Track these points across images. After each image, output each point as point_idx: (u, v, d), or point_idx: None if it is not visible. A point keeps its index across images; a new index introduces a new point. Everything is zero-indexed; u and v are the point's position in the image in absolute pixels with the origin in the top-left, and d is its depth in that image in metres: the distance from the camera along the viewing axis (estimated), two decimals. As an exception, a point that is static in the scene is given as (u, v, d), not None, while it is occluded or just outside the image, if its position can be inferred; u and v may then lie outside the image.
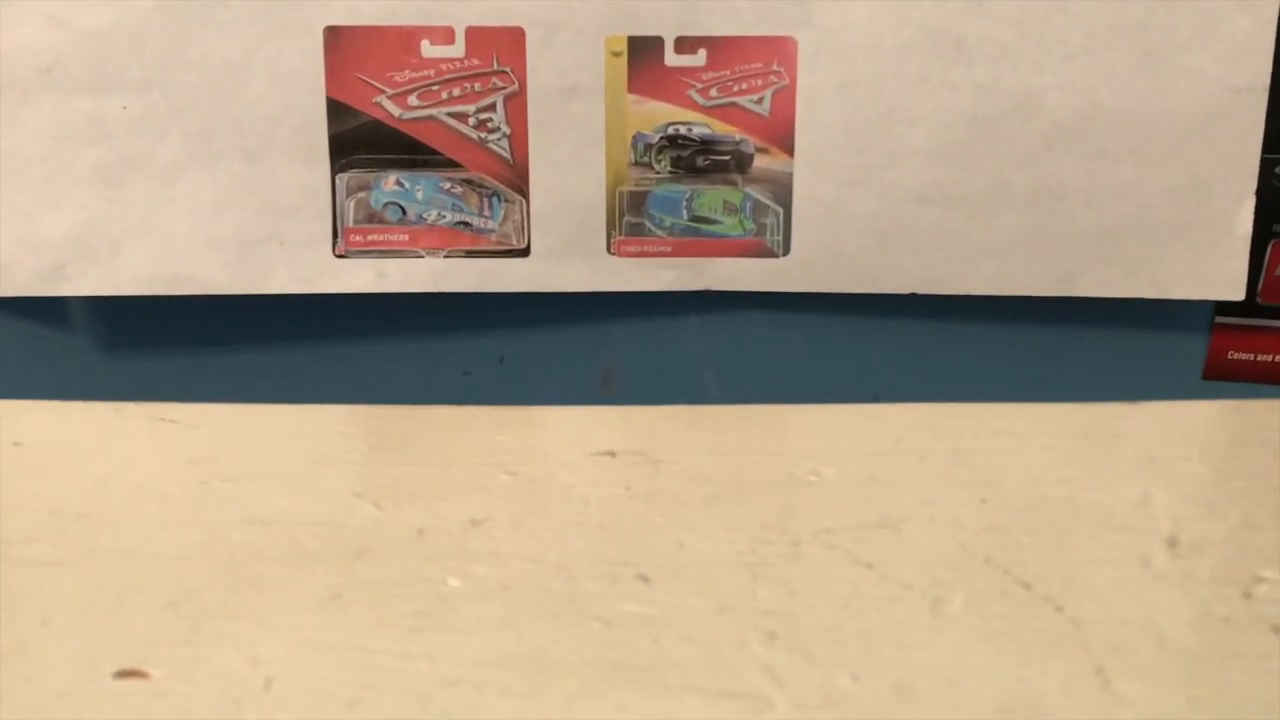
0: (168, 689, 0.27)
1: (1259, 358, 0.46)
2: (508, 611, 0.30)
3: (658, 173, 0.43)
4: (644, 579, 0.31)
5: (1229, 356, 0.46)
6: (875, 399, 0.45)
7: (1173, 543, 0.33)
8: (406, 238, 0.44)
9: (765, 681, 0.27)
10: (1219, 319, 0.46)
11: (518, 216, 0.44)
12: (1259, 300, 0.45)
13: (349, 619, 0.29)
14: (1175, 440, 0.40)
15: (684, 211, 0.44)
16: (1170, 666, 0.27)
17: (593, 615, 0.30)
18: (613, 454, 0.39)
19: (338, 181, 0.43)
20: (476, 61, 0.43)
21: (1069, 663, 0.27)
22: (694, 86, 0.43)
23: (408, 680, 0.27)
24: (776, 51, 0.42)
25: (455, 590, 0.31)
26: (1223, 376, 0.46)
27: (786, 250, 0.44)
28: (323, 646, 0.28)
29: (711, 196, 0.44)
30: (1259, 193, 0.42)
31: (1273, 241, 0.44)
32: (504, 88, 0.43)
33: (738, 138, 0.43)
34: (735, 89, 0.43)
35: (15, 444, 0.40)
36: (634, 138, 0.43)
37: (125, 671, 0.27)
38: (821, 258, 0.44)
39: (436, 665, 0.27)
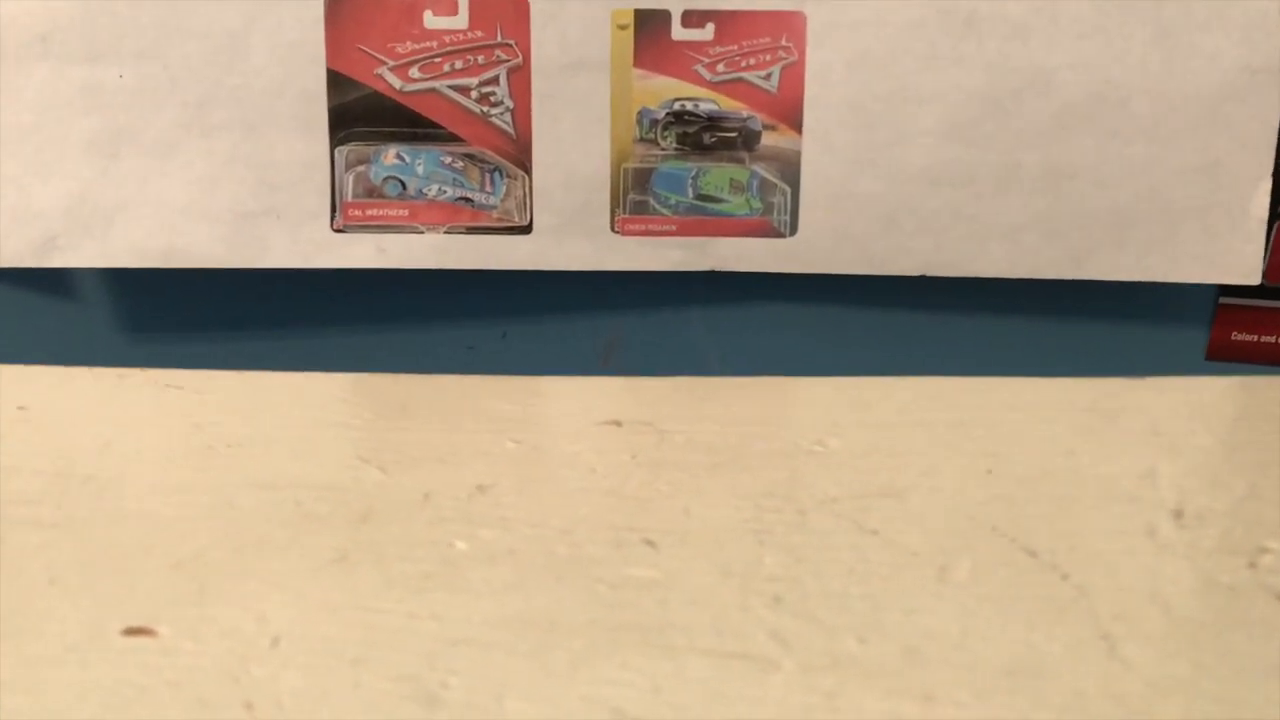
0: (175, 646, 0.28)
1: (1263, 339, 0.47)
2: (514, 574, 0.31)
3: (663, 149, 0.45)
4: (650, 544, 0.33)
5: (1233, 337, 0.47)
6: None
7: (1178, 513, 0.34)
8: (406, 213, 0.45)
9: (771, 644, 0.28)
10: (1223, 300, 0.47)
11: (520, 193, 0.45)
12: (1264, 281, 0.45)
13: (355, 580, 0.31)
14: (1181, 414, 0.41)
15: (689, 189, 0.45)
16: (1176, 633, 0.29)
17: (598, 579, 0.31)
18: (618, 423, 0.40)
19: (337, 155, 0.45)
20: (480, 33, 0.44)
21: (1075, 629, 0.29)
22: (701, 61, 0.44)
23: (414, 640, 0.28)
24: (785, 26, 0.44)
25: (461, 553, 0.32)
26: (1226, 357, 0.47)
27: (794, 230, 0.45)
28: (329, 606, 0.30)
29: (718, 174, 0.45)
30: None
31: (1277, 223, 0.45)
32: (507, 60, 0.44)
33: (745, 114, 0.44)
34: (743, 64, 0.44)
35: (20, 408, 0.41)
36: (639, 113, 0.44)
37: (133, 629, 0.29)
38: (829, 238, 0.45)
39: (443, 625, 0.29)
